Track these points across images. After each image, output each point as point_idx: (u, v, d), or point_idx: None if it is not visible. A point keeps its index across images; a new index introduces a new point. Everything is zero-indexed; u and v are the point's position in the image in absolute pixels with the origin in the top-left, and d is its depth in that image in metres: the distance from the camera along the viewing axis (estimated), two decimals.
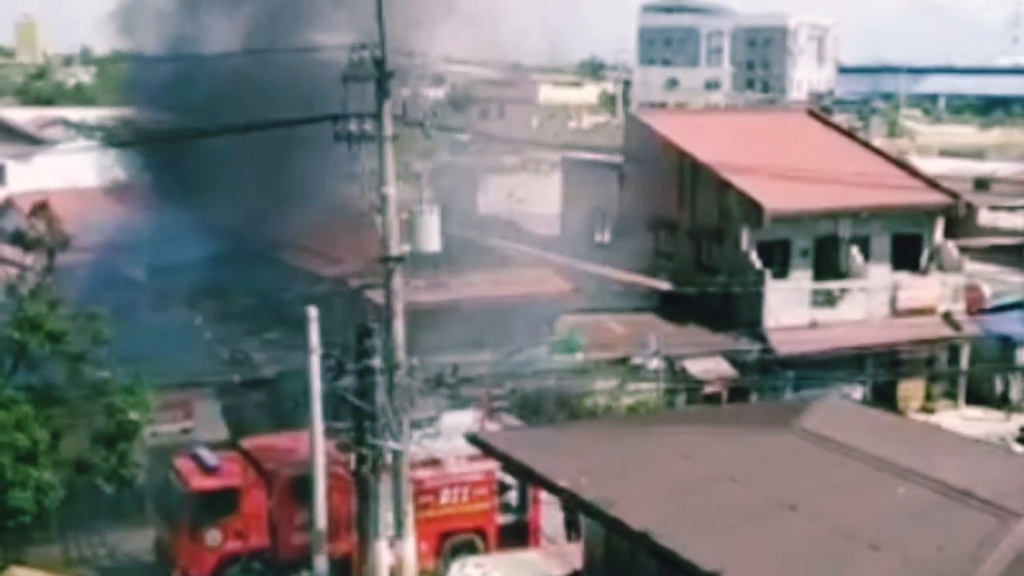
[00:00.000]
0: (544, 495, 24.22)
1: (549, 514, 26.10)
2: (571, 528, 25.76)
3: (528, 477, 21.93)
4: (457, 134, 51.07)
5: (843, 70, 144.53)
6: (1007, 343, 38.53)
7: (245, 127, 25.99)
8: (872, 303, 37.36)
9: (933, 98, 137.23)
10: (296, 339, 23.55)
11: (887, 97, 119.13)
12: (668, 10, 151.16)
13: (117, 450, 23.64)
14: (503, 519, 26.17)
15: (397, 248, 22.44)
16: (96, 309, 24.33)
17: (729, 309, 35.42)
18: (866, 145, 44.07)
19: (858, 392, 34.84)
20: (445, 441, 25.12)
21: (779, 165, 34.16)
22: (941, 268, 38.54)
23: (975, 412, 36.62)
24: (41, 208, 26.89)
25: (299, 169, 31.01)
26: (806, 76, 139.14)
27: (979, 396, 38.04)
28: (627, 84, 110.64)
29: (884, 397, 35.57)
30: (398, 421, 22.16)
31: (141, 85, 38.44)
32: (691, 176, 37.93)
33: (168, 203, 34.49)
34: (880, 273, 37.62)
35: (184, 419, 28.35)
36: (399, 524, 22.82)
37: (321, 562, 23.00)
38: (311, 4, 34.25)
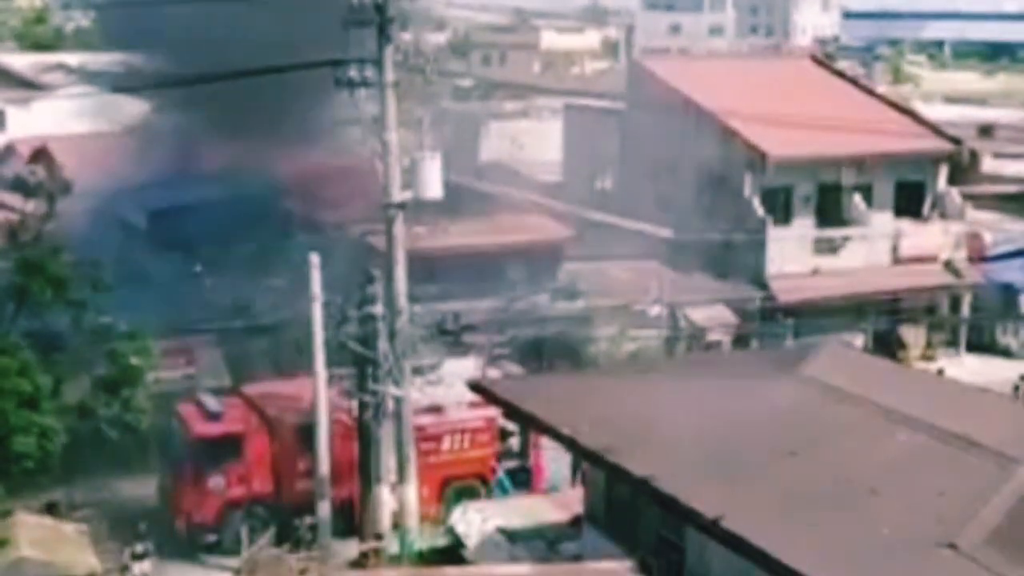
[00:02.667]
0: (546, 441, 24.30)
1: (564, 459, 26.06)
2: (577, 473, 25.86)
3: (530, 424, 22.00)
4: (459, 80, 50.78)
5: (848, 15, 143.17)
6: (1009, 291, 38.50)
7: (243, 72, 25.78)
8: (874, 251, 37.29)
9: (939, 44, 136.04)
10: (299, 286, 23.55)
11: (892, 43, 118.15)
12: None
13: (120, 396, 23.72)
14: (504, 465, 26.29)
15: (399, 195, 22.37)
16: (97, 255, 24.30)
17: (731, 257, 35.37)
18: (870, 92, 43.79)
19: (859, 340, 34.86)
20: (447, 388, 25.20)
21: (782, 112, 33.96)
22: (943, 216, 38.43)
23: (975, 361, 36.66)
24: (41, 153, 26.80)
25: (300, 113, 30.82)
26: (810, 21, 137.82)
27: (980, 344, 38.08)
28: (630, 30, 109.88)
29: (885, 345, 35.60)
30: (400, 368, 22.22)
31: (139, 29, 38.10)
32: (694, 123, 37.72)
33: (169, 148, 34.34)
34: (882, 221, 37.52)
35: (186, 366, 28.39)
36: (401, 470, 22.93)
37: (324, 507, 23.14)
38: None
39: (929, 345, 37.46)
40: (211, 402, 25.21)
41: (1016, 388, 31.80)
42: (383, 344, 21.90)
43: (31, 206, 26.25)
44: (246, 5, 31.47)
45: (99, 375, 24.04)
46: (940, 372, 29.72)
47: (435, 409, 25.31)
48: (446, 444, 25.53)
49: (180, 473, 24.84)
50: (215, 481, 24.49)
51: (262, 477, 24.76)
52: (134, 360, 23.88)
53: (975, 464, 14.82)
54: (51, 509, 23.91)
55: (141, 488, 25.84)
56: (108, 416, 23.73)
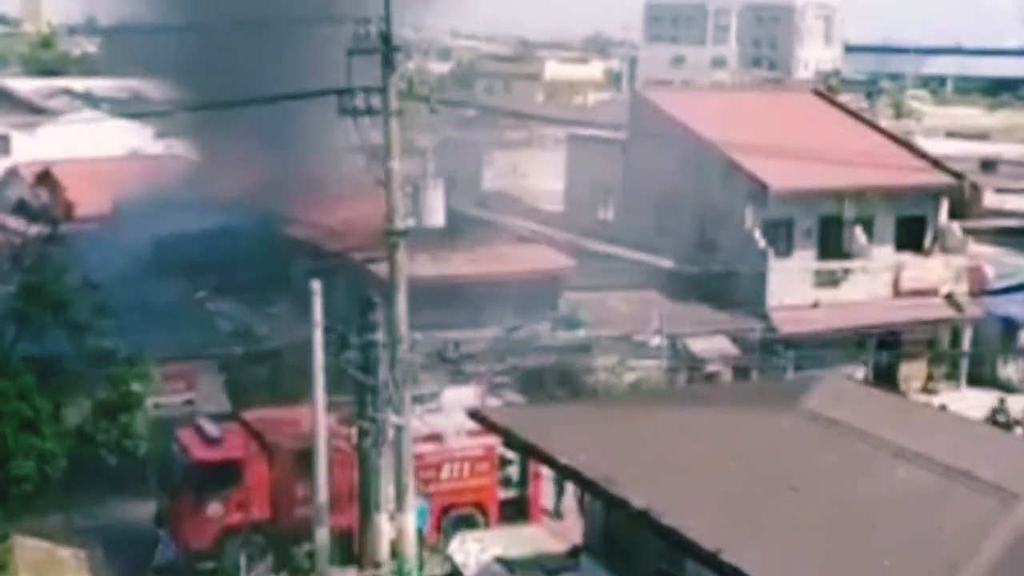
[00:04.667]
0: (545, 471, 24.26)
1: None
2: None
3: (529, 453, 21.97)
4: (462, 109, 50.92)
5: (850, 49, 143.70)
6: (1010, 325, 38.50)
7: (247, 100, 25.91)
8: (875, 284, 37.31)
9: (941, 79, 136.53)
10: (300, 312, 23.55)
11: (894, 77, 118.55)
12: None
13: (120, 421, 23.69)
14: (504, 494, 26.22)
15: (401, 222, 22.41)
16: (99, 279, 24.33)
17: (732, 288, 35.39)
18: (872, 125, 43.93)
19: (860, 373, 34.84)
20: (446, 416, 25.16)
21: (784, 144, 34.06)
22: (945, 249, 38.49)
23: (976, 395, 36.60)
24: (45, 178, 26.90)
25: (305, 140, 30.95)
26: (813, 55, 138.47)
27: (981, 378, 38.03)
28: (633, 61, 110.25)
29: (886, 378, 35.55)
30: (400, 395, 22.18)
31: (144, 56, 38.32)
32: (695, 154, 37.83)
33: (173, 174, 34.48)
34: (884, 254, 37.57)
35: (186, 391, 28.37)
36: (400, 498, 22.86)
37: (322, 535, 23.06)
38: None
39: (930, 378, 37.42)
40: (210, 428, 25.17)
41: (993, 412, 31.81)
42: (384, 372, 21.87)
43: (34, 230, 26.31)
44: (251, 34, 31.68)
45: (99, 399, 24.02)
46: (943, 407, 29.67)
47: (435, 437, 25.27)
48: (445, 472, 25.48)
49: (179, 498, 24.78)
50: (213, 507, 24.42)
51: (261, 504, 24.68)
52: (134, 385, 23.87)
53: (976, 498, 14.79)
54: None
55: (139, 512, 25.76)
56: (107, 441, 23.69)
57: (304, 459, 23.53)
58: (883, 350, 36.48)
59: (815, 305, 36.07)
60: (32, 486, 22.18)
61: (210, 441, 24.76)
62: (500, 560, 21.01)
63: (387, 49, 21.60)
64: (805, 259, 36.75)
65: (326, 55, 23.90)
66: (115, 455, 23.94)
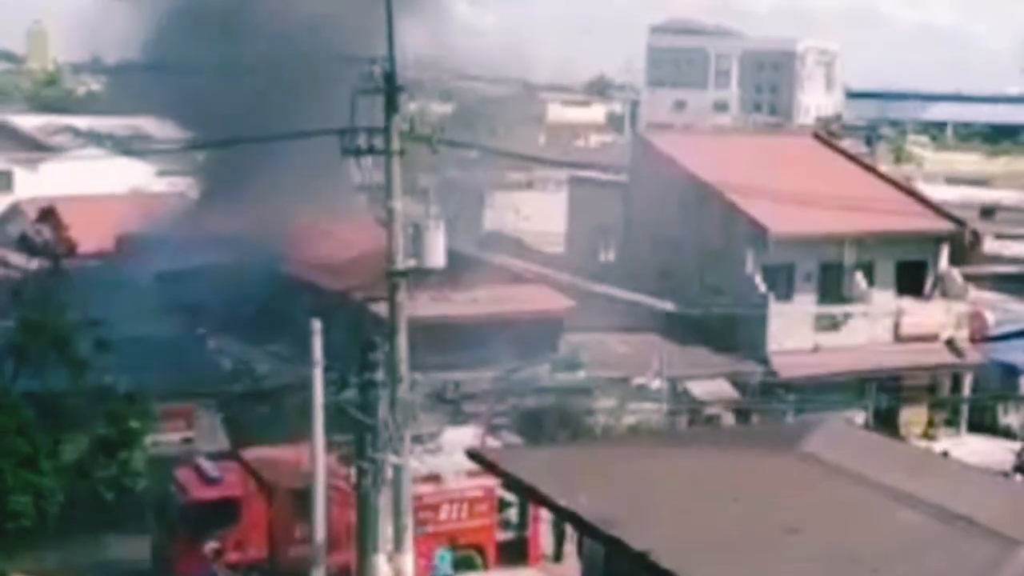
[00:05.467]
0: (545, 513, 24.18)
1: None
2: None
3: (528, 495, 21.87)
4: (464, 150, 51.14)
5: (851, 95, 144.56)
6: (1010, 371, 38.46)
7: (251, 138, 26.06)
8: (875, 328, 37.32)
9: (941, 125, 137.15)
10: (299, 351, 23.55)
11: (895, 123, 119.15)
12: (677, 32, 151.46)
13: (118, 458, 23.64)
14: (502, 536, 26.13)
15: (403, 262, 22.45)
16: (100, 316, 24.36)
17: (732, 331, 35.40)
18: (872, 170, 44.10)
19: (860, 417, 34.78)
20: (446, 457, 25.10)
21: (784, 188, 34.19)
22: (945, 295, 38.53)
23: (976, 441, 36.53)
24: (47, 214, 26.99)
25: (308, 179, 31.06)
26: (814, 100, 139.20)
27: (982, 424, 37.97)
28: (635, 104, 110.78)
29: (886, 423, 35.49)
30: (399, 435, 22.13)
31: (150, 93, 38.52)
32: (696, 197, 37.95)
33: (176, 211, 34.58)
34: (884, 299, 37.61)
35: (185, 429, 28.35)
36: (398, 538, 22.77)
37: (320, 575, 22.95)
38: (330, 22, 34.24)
39: (931, 424, 37.37)
40: (209, 466, 25.12)
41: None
42: (383, 411, 21.84)
43: (35, 265, 26.39)
44: (255, 72, 31.88)
45: (98, 436, 23.98)
46: (944, 454, 29.62)
47: (434, 478, 25.20)
48: (444, 513, 25.39)
49: (176, 536, 24.69)
50: (211, 546, 24.33)
51: (258, 543, 24.61)
52: (133, 422, 23.84)
53: (976, 544, 14.73)
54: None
55: (136, 550, 25.66)
56: (105, 478, 23.63)
57: (302, 498, 23.44)
58: (883, 395, 36.43)
59: (815, 349, 36.07)
60: (29, 522, 22.11)
61: (208, 480, 24.72)
62: None
63: (390, 89, 21.75)
64: (805, 303, 36.78)
65: (330, 94, 24.05)
66: (113, 492, 23.86)
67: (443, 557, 23.38)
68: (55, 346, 23.37)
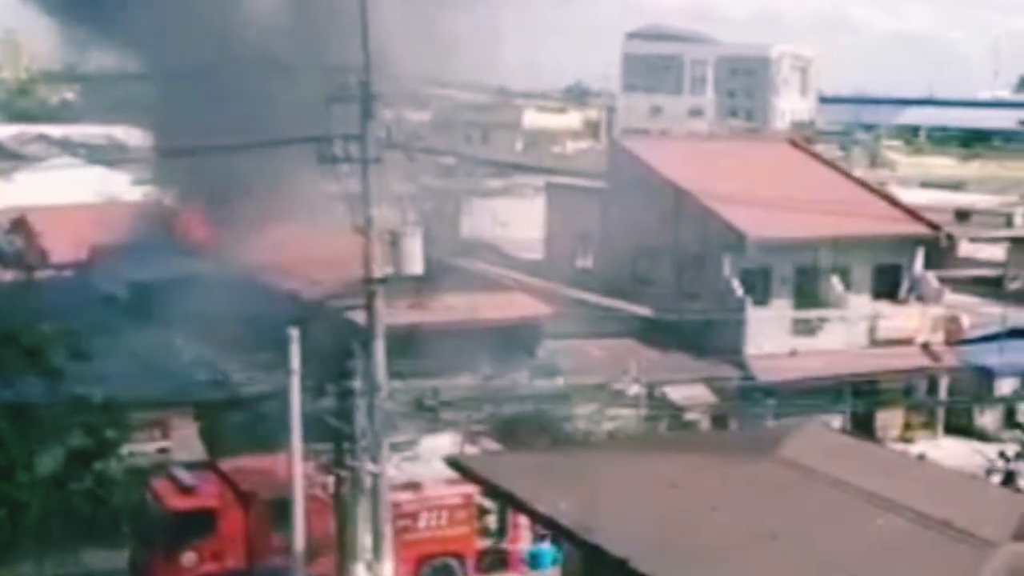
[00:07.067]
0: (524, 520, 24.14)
1: None
2: None
3: (508, 501, 21.83)
4: (441, 157, 51.07)
5: (825, 100, 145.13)
6: (985, 374, 38.65)
7: (225, 146, 25.94)
8: (852, 332, 37.45)
9: (915, 129, 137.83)
10: (276, 360, 23.45)
11: (869, 128, 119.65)
12: (653, 38, 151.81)
13: (94, 468, 23.49)
14: (482, 544, 26.07)
15: (380, 270, 22.40)
16: (74, 325, 24.22)
17: (710, 336, 35.46)
18: (847, 175, 44.29)
19: (837, 421, 34.87)
20: (424, 464, 25.03)
21: (761, 193, 34.28)
22: (921, 298, 38.70)
23: (952, 444, 36.67)
24: (19, 224, 26.82)
25: (283, 187, 30.96)
26: (789, 106, 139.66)
27: (958, 427, 38.12)
28: (611, 111, 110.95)
29: (863, 426, 35.60)
30: (378, 443, 22.08)
31: (125, 102, 38.31)
32: (673, 203, 38.01)
33: (151, 219, 34.40)
34: (860, 302, 37.74)
35: (161, 439, 28.18)
36: (377, 547, 22.69)
37: None
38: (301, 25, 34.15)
39: (907, 427, 37.50)
40: (185, 476, 24.98)
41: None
42: (361, 419, 21.78)
43: (8, 276, 26.22)
44: (231, 80, 31.73)
45: (73, 446, 23.83)
46: (921, 456, 29.70)
47: (412, 486, 25.13)
48: (423, 521, 25.32)
49: (153, 547, 24.52)
50: (188, 556, 24.19)
51: (236, 553, 24.47)
52: (109, 432, 23.69)
53: (954, 547, 14.77)
54: None
55: (113, 561, 25.48)
56: (81, 488, 23.47)
57: (280, 508, 23.34)
58: (860, 398, 36.56)
59: (793, 353, 36.16)
60: (4, 534, 21.92)
61: (184, 490, 24.57)
62: None
63: (366, 97, 21.71)
64: (782, 307, 36.88)
65: (307, 102, 23.97)
66: (89, 503, 23.70)
67: None
68: (29, 356, 23.21)
